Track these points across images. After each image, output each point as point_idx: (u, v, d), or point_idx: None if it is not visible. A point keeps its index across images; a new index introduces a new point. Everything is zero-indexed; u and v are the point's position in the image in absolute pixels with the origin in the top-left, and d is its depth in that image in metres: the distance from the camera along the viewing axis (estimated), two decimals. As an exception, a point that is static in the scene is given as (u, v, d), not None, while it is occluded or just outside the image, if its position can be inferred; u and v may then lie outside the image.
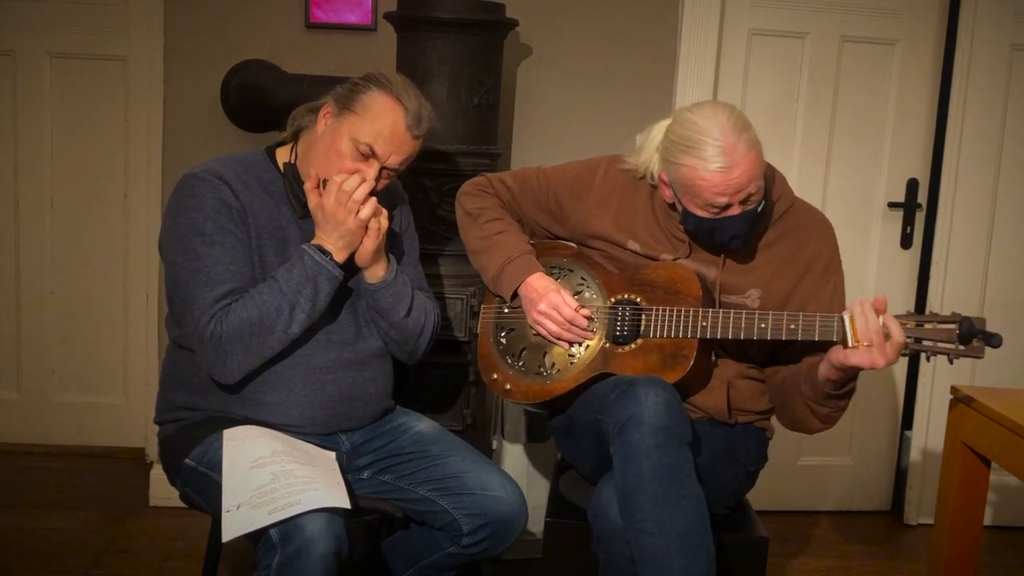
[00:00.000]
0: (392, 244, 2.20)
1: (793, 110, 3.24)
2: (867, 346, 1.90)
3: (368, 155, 2.01)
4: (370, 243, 2.04)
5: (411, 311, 2.15)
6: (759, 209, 2.04)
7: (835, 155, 3.27)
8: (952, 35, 3.20)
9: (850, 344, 1.92)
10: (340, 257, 2.02)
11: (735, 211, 2.00)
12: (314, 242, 2.02)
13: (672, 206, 2.14)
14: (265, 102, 2.90)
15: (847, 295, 2.18)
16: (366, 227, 2.02)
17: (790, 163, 3.20)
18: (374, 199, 2.02)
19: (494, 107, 2.73)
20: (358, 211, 1.99)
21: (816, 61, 3.21)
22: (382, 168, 2.03)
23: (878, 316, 1.91)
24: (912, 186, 3.28)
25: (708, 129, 1.96)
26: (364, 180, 2.00)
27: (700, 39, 3.10)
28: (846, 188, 3.29)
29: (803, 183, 3.16)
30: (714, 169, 1.95)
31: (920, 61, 3.22)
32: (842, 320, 1.94)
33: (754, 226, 2.07)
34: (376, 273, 2.09)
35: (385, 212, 2.05)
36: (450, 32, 2.61)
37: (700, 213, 2.02)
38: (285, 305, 1.97)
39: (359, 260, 2.06)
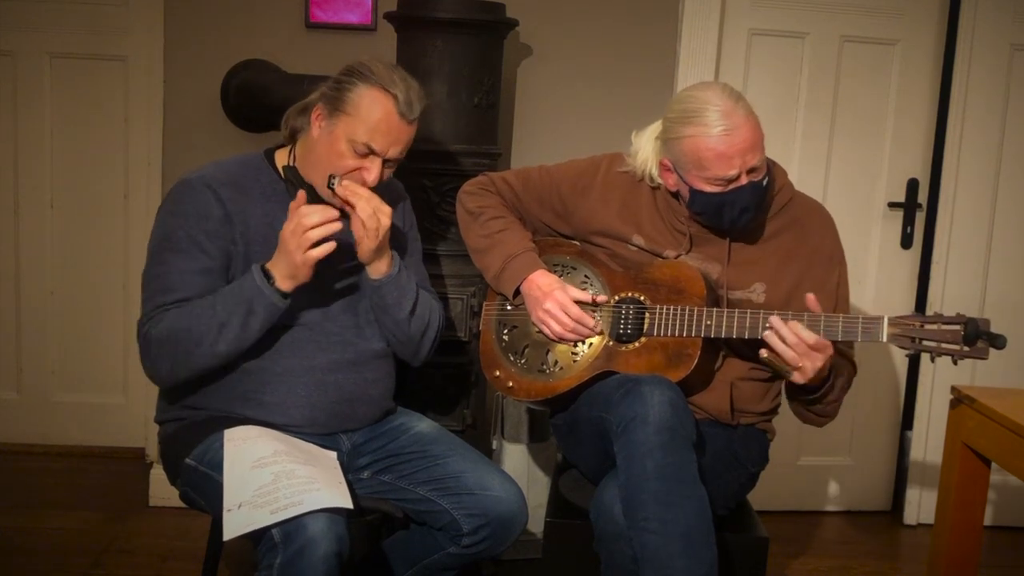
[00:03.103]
0: (395, 241, 2.19)
1: (793, 110, 3.24)
2: (799, 367, 1.95)
3: (367, 153, 2.01)
4: (370, 243, 2.01)
5: (415, 308, 2.14)
6: (764, 183, 2.04)
7: (835, 155, 3.27)
8: (952, 35, 3.20)
9: (791, 377, 1.98)
10: (284, 286, 1.95)
11: (743, 181, 2.00)
12: (268, 264, 1.96)
13: (675, 195, 2.13)
14: (265, 102, 2.90)
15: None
16: (313, 268, 1.93)
17: (790, 163, 3.19)
18: (336, 227, 1.92)
19: (494, 107, 2.73)
20: (309, 248, 1.91)
21: (816, 61, 3.21)
22: (385, 160, 2.03)
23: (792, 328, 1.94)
24: (912, 186, 3.28)
25: (706, 97, 1.99)
26: (326, 220, 1.90)
27: (700, 39, 3.10)
28: (846, 188, 3.29)
29: (803, 183, 3.13)
30: (717, 133, 1.96)
31: (920, 61, 3.22)
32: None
33: (762, 201, 2.07)
34: (379, 269, 2.08)
35: (388, 210, 2.02)
36: (450, 32, 2.61)
37: (708, 189, 2.02)
38: (215, 323, 1.94)
39: (360, 257, 2.05)
